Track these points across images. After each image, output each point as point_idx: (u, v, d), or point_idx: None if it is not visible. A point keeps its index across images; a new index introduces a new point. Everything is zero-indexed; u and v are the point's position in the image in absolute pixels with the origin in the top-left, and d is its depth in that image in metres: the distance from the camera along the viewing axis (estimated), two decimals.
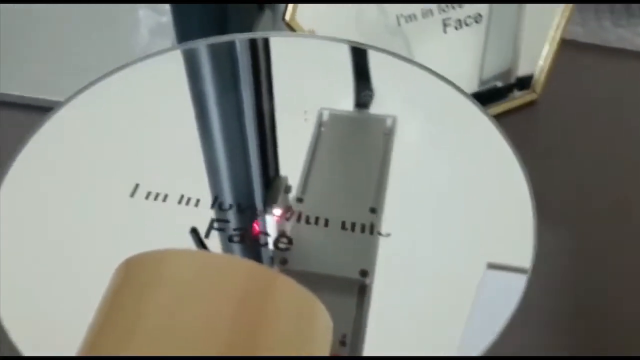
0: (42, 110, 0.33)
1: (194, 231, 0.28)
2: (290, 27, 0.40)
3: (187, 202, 0.29)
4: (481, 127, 0.33)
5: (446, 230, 0.29)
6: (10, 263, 0.27)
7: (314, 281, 0.26)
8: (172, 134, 0.33)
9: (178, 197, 0.29)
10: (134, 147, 0.32)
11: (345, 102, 0.35)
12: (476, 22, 0.45)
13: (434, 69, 0.35)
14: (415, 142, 0.33)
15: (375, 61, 0.36)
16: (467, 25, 0.45)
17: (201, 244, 0.27)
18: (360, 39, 0.37)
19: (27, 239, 0.28)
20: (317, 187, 0.30)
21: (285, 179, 0.31)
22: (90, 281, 0.23)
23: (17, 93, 0.46)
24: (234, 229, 0.28)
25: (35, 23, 0.51)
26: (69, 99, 0.33)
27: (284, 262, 0.27)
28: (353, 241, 0.28)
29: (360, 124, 0.34)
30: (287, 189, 0.30)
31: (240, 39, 0.37)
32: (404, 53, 0.40)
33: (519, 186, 0.30)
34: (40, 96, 0.45)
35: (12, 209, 0.29)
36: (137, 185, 0.30)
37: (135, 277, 0.22)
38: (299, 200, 0.30)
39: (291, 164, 0.31)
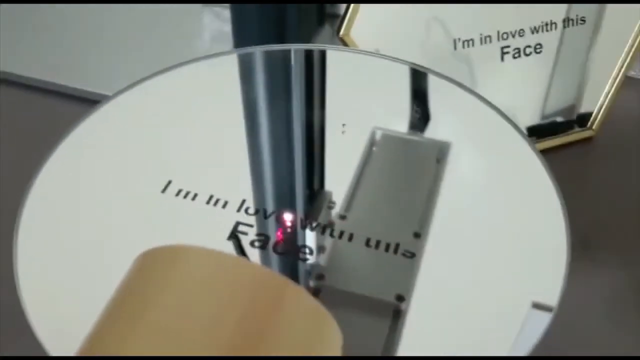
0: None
1: (235, 237, 0.28)
2: (344, 43, 0.40)
3: (215, 203, 0.29)
4: (529, 163, 0.32)
5: (485, 262, 0.28)
6: (41, 250, 0.28)
7: (349, 300, 0.27)
8: (213, 136, 0.33)
9: (207, 197, 0.29)
10: (173, 144, 0.33)
11: (400, 123, 0.35)
12: (536, 52, 0.44)
13: (495, 98, 0.35)
14: (466, 170, 0.32)
15: (434, 86, 0.36)
16: (526, 55, 0.44)
17: (241, 251, 0.27)
18: (422, 60, 0.37)
19: (58, 225, 0.29)
20: (362, 206, 0.30)
21: (330, 193, 0.31)
22: (110, 272, 0.23)
23: (77, 86, 0.47)
24: (257, 234, 0.28)
25: (105, 21, 0.53)
26: (116, 94, 0.34)
27: (320, 277, 0.27)
28: (393, 264, 0.28)
29: (413, 147, 0.34)
30: (331, 205, 0.30)
31: (296, 49, 0.37)
32: (466, 78, 0.39)
33: (557, 225, 0.29)
34: (97, 90, 0.46)
35: (48, 195, 0.30)
36: (169, 182, 0.30)
37: (147, 270, 0.22)
38: (342, 217, 0.29)
39: (337, 179, 0.31)
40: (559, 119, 0.46)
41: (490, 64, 0.43)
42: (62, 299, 0.26)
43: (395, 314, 0.26)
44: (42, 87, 0.48)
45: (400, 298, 0.27)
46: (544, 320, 0.26)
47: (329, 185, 0.31)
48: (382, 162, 0.33)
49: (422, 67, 0.36)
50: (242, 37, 0.45)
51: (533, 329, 0.25)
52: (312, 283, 0.27)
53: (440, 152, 0.33)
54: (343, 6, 0.40)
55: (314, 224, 0.29)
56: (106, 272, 0.25)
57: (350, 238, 0.29)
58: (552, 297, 0.26)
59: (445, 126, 0.35)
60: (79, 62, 0.49)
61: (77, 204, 0.30)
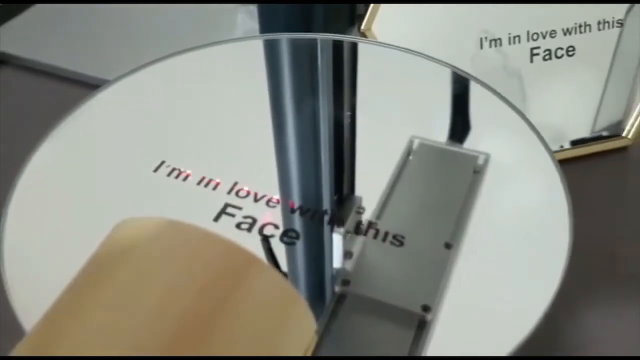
0: None
1: (265, 240, 0.28)
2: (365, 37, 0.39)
3: (207, 185, 0.29)
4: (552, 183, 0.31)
5: (512, 277, 0.28)
6: (32, 222, 0.28)
7: (374, 307, 0.26)
8: (216, 119, 0.33)
9: (199, 179, 0.29)
10: (171, 127, 0.33)
11: (437, 131, 0.34)
12: (568, 54, 0.42)
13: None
14: (500, 183, 0.31)
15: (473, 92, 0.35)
16: (557, 57, 0.42)
17: (270, 253, 0.27)
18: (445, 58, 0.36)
19: (51, 201, 0.29)
20: (394, 214, 0.30)
21: (360, 199, 0.30)
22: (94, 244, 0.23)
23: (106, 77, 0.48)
24: (244, 217, 0.28)
25: (138, 19, 0.55)
26: (123, 75, 0.34)
27: (346, 283, 0.27)
28: (420, 274, 0.27)
29: (451, 157, 0.33)
30: (360, 210, 0.30)
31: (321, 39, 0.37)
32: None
33: (562, 239, 0.28)
34: None
35: (43, 171, 0.30)
36: (162, 162, 0.30)
37: (115, 239, 0.22)
38: (372, 223, 0.29)
39: (369, 185, 0.31)
40: (605, 134, 0.45)
41: (521, 65, 0.42)
42: (49, 272, 0.26)
43: (420, 324, 0.26)
44: (64, 76, 0.49)
45: (427, 308, 0.26)
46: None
47: (359, 190, 0.31)
48: (418, 172, 0.32)
49: (466, 72, 0.35)
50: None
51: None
52: (337, 288, 0.27)
53: (477, 164, 0.32)
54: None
55: (341, 228, 0.28)
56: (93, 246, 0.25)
57: (379, 245, 0.28)
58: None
59: (482, 137, 0.34)
60: (104, 54, 0.51)
61: (70, 180, 0.30)
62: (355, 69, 0.36)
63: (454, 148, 0.33)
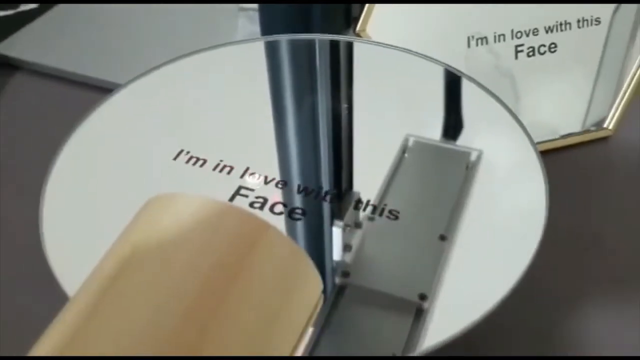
0: None
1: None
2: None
3: (221, 170, 0.32)
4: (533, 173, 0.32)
5: (504, 265, 0.28)
6: (65, 214, 0.30)
7: (373, 297, 0.27)
8: (229, 111, 0.36)
9: (214, 164, 0.32)
10: (189, 119, 0.35)
11: (431, 128, 0.36)
12: (550, 51, 0.45)
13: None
14: (489, 178, 0.33)
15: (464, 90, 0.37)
16: (540, 53, 0.45)
17: None
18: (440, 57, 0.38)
19: (80, 192, 0.32)
20: (391, 208, 0.31)
21: (358, 194, 0.32)
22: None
23: (116, 81, 0.50)
24: (256, 197, 0.30)
25: (137, 22, 0.57)
26: (139, 76, 0.36)
27: (346, 274, 0.28)
28: (417, 264, 0.29)
29: (444, 154, 0.35)
30: (358, 205, 0.31)
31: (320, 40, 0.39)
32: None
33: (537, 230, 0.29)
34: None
35: (70, 167, 0.32)
36: (181, 151, 0.33)
37: (141, 214, 0.24)
38: (370, 218, 0.30)
39: (366, 181, 0.32)
40: (592, 129, 0.47)
41: (505, 63, 0.45)
42: (85, 256, 0.28)
43: (417, 312, 0.27)
44: (79, 81, 0.51)
45: (423, 297, 0.27)
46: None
47: (357, 186, 0.32)
48: (413, 169, 0.33)
49: (459, 71, 0.37)
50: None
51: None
52: (337, 280, 0.28)
53: (470, 160, 0.33)
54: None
55: (341, 222, 0.30)
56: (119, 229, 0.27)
57: (377, 237, 0.30)
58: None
59: (474, 133, 0.35)
60: (113, 57, 0.53)
61: (95, 171, 0.32)
62: (352, 67, 0.38)
63: (448, 145, 0.35)
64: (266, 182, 0.31)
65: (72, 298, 0.21)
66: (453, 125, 0.36)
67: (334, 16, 0.49)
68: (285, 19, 0.47)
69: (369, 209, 0.30)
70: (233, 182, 0.31)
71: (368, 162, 0.33)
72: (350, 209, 0.30)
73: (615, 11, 0.45)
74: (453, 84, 0.37)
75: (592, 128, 0.47)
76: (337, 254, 0.29)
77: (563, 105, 0.46)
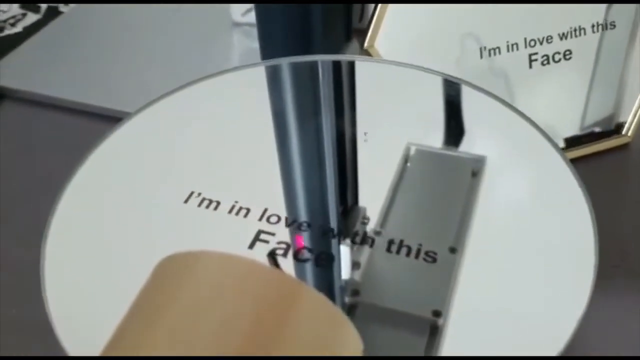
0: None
1: (272, 255, 0.28)
2: (369, 55, 0.40)
3: (238, 212, 0.29)
4: (563, 178, 0.32)
5: (520, 277, 0.28)
6: (67, 259, 0.28)
7: (385, 316, 0.26)
8: (236, 147, 0.34)
9: (229, 206, 0.30)
10: (195, 156, 0.33)
11: (433, 136, 0.35)
12: (565, 58, 0.43)
13: (531, 108, 0.34)
14: (501, 184, 0.32)
15: (467, 97, 0.36)
16: (555, 61, 0.43)
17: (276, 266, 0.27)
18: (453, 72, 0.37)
19: (84, 236, 0.30)
20: (397, 222, 0.30)
21: (364, 209, 0.30)
22: (133, 282, 0.23)
23: (106, 105, 0.48)
24: (278, 242, 0.28)
25: (132, 39, 0.55)
26: (142, 107, 0.34)
27: (355, 293, 0.27)
28: (428, 280, 0.28)
29: (448, 162, 0.34)
30: (365, 220, 0.30)
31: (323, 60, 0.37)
32: (498, 89, 0.39)
33: (586, 243, 0.29)
34: (125, 109, 0.47)
35: (74, 208, 0.30)
36: (192, 193, 0.30)
37: (162, 277, 0.22)
38: (377, 232, 0.29)
39: (370, 195, 0.31)
40: (597, 129, 0.46)
41: (518, 72, 0.43)
42: (86, 305, 0.27)
43: (432, 329, 0.26)
44: (67, 107, 0.49)
45: (437, 313, 0.26)
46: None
47: (362, 200, 0.31)
48: (417, 178, 0.32)
49: (456, 77, 0.36)
50: (268, 52, 0.45)
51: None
52: (347, 299, 0.27)
53: (475, 166, 0.32)
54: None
55: (348, 239, 0.29)
56: (129, 282, 0.25)
57: (385, 254, 0.28)
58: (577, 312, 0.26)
59: (480, 139, 0.35)
60: (105, 81, 0.51)
61: (101, 216, 0.30)
62: (354, 87, 0.37)
63: (451, 152, 0.34)
64: (287, 225, 0.29)
65: None
66: (455, 131, 0.35)
67: (334, 32, 0.47)
68: (285, 33, 0.45)
69: (374, 223, 0.30)
70: (251, 225, 0.29)
71: (371, 174, 0.32)
72: (358, 225, 0.30)
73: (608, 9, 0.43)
74: (453, 91, 0.36)
75: (600, 131, 0.45)
76: (345, 272, 0.28)
77: (559, 108, 0.44)
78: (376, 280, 0.28)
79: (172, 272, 0.22)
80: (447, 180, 0.33)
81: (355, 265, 0.28)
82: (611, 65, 0.44)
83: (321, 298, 0.22)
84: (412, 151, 0.33)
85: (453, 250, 0.28)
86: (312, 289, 0.22)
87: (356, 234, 0.29)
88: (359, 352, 0.22)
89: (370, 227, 0.29)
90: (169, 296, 0.21)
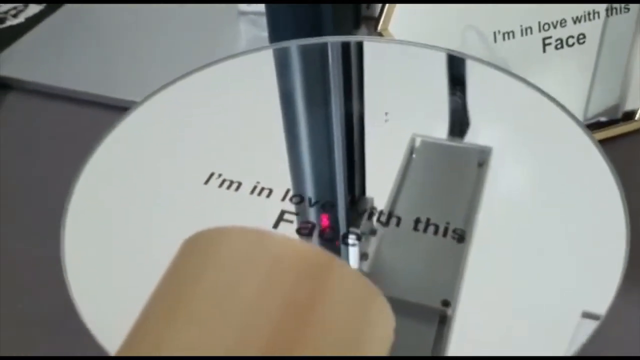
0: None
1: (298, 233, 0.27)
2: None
3: (260, 193, 0.29)
4: (586, 155, 0.31)
5: (533, 267, 0.27)
6: (87, 243, 0.28)
7: (394, 306, 0.25)
8: (251, 127, 0.33)
9: (251, 187, 0.29)
10: (212, 138, 0.33)
11: (441, 122, 0.34)
12: (579, 42, 0.43)
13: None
14: (515, 165, 0.32)
15: (478, 75, 0.35)
16: (569, 45, 0.43)
17: None
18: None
19: (104, 221, 0.29)
20: (404, 213, 0.29)
21: (372, 199, 0.30)
22: (157, 262, 0.22)
23: (113, 95, 0.47)
24: (303, 222, 0.28)
25: (140, 28, 0.54)
26: (154, 92, 0.34)
27: None
28: (437, 270, 0.27)
29: (453, 153, 0.33)
30: (373, 211, 0.29)
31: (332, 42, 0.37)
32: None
33: (616, 227, 0.28)
34: (133, 98, 0.46)
35: (92, 193, 0.30)
36: (212, 174, 0.30)
37: (191, 254, 0.21)
38: (384, 224, 0.29)
39: (378, 186, 0.31)
40: (603, 119, 0.45)
41: (532, 57, 0.43)
42: (110, 288, 0.26)
43: (441, 319, 0.26)
44: (73, 97, 0.48)
45: (447, 303, 0.26)
46: (590, 328, 0.25)
47: (369, 191, 0.31)
48: (423, 169, 0.32)
49: (460, 52, 0.36)
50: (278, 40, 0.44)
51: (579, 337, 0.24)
52: None
53: (482, 157, 0.32)
54: (378, 8, 0.40)
55: (357, 230, 0.28)
56: (153, 263, 0.24)
57: (393, 244, 0.28)
58: (602, 306, 0.25)
59: (492, 117, 0.34)
60: (111, 71, 0.50)
61: (120, 200, 0.30)
62: (363, 69, 0.37)
63: (456, 143, 0.33)
64: (311, 205, 0.28)
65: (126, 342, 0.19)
66: (461, 121, 0.34)
67: (343, 19, 0.47)
68: (294, 21, 0.45)
69: (383, 217, 0.29)
70: (274, 206, 0.28)
71: (377, 165, 0.32)
72: (366, 216, 0.29)
73: None
74: (459, 68, 0.35)
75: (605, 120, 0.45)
76: (353, 263, 0.28)
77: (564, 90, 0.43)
78: (384, 270, 0.28)
79: (199, 249, 0.22)
80: (453, 171, 0.32)
81: (363, 256, 0.28)
82: (618, 51, 0.44)
83: (356, 272, 0.21)
84: (417, 143, 0.33)
85: (461, 239, 0.28)
86: (346, 263, 0.21)
87: (381, 213, 0.29)
88: (391, 327, 0.22)
89: (378, 217, 0.29)
90: (196, 275, 0.20)
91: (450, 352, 0.24)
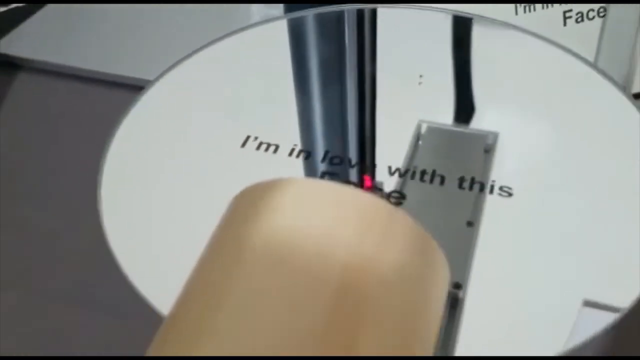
0: None
1: None
2: None
3: (298, 155, 0.29)
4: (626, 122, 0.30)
5: (545, 253, 0.27)
6: (126, 209, 0.28)
7: None
8: (279, 93, 0.33)
9: (289, 149, 0.29)
10: (239, 103, 0.32)
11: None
12: (599, 15, 0.43)
13: None
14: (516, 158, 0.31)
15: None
16: (589, 19, 0.43)
17: None
18: None
19: (140, 190, 0.29)
20: (412, 198, 0.29)
21: (381, 183, 0.29)
22: (200, 228, 0.22)
23: (127, 74, 0.47)
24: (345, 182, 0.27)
25: (148, 6, 0.53)
26: (175, 64, 0.33)
27: None
28: (447, 253, 0.27)
29: (460, 138, 0.33)
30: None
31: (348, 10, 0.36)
32: None
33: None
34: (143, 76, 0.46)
35: (125, 160, 0.29)
36: (248, 137, 0.29)
37: (246, 205, 0.21)
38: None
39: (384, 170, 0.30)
40: None
41: (553, 30, 0.42)
42: (153, 252, 0.26)
43: (453, 302, 0.25)
44: (84, 76, 0.48)
45: (458, 286, 0.26)
46: (605, 320, 0.24)
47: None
48: (429, 155, 0.31)
49: (470, 14, 0.35)
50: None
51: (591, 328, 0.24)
52: None
53: (489, 142, 0.31)
54: None
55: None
56: (195, 225, 0.24)
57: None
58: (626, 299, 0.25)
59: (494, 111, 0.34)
60: (123, 49, 0.49)
61: (157, 168, 0.30)
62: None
63: (461, 129, 0.33)
64: (351, 166, 0.28)
65: (178, 304, 0.19)
66: (467, 105, 0.33)
67: None
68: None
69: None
70: (314, 167, 0.28)
71: (385, 150, 0.31)
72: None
73: None
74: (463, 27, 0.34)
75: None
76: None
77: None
78: None
79: (252, 202, 0.21)
80: (460, 156, 0.32)
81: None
82: (622, 29, 0.44)
83: (412, 222, 0.21)
84: (424, 129, 0.32)
85: (470, 223, 0.28)
86: (407, 214, 0.21)
87: (424, 172, 0.28)
88: (447, 279, 0.21)
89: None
90: (252, 226, 0.20)
91: (462, 336, 0.24)
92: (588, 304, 0.25)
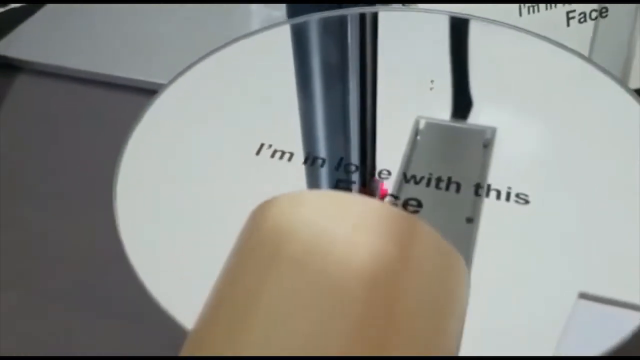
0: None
1: None
2: None
3: (313, 162, 0.28)
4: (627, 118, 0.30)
5: (542, 248, 0.27)
6: (141, 218, 0.27)
7: None
8: (289, 100, 0.33)
9: (303, 157, 0.29)
10: (250, 111, 0.32)
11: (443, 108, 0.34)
12: (601, 16, 0.43)
13: None
14: (515, 153, 0.31)
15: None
16: (592, 19, 0.43)
17: None
18: None
19: (158, 199, 0.29)
20: (411, 194, 0.29)
21: (379, 182, 0.29)
22: (216, 235, 0.22)
23: (132, 77, 0.46)
24: (361, 190, 0.27)
25: (149, 7, 0.53)
26: (182, 72, 0.33)
27: None
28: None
29: (458, 133, 0.33)
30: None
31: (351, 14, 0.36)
32: None
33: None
34: (151, 79, 0.45)
35: (140, 175, 0.29)
36: (262, 145, 0.29)
37: (268, 219, 0.21)
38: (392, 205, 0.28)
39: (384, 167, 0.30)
40: None
41: (557, 31, 0.43)
42: (172, 263, 0.26)
43: None
44: (84, 78, 0.48)
45: None
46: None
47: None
48: (428, 151, 0.32)
49: (471, 15, 0.35)
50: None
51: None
52: None
53: (487, 137, 0.31)
54: None
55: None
56: (213, 234, 0.24)
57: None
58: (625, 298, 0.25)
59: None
60: (125, 51, 0.49)
61: (171, 175, 0.29)
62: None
63: (460, 124, 0.33)
64: (365, 173, 0.28)
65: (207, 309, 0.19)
66: (465, 101, 0.33)
67: None
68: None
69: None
70: (329, 175, 0.28)
71: (383, 146, 0.31)
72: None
73: None
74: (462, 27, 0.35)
75: None
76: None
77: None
78: None
79: (274, 215, 0.21)
80: (458, 151, 0.32)
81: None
82: (617, 27, 0.44)
83: (434, 233, 0.21)
84: (422, 125, 0.32)
85: (469, 220, 0.28)
86: (428, 225, 0.21)
87: (440, 179, 0.28)
88: (469, 286, 0.22)
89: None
90: (276, 240, 0.20)
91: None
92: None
